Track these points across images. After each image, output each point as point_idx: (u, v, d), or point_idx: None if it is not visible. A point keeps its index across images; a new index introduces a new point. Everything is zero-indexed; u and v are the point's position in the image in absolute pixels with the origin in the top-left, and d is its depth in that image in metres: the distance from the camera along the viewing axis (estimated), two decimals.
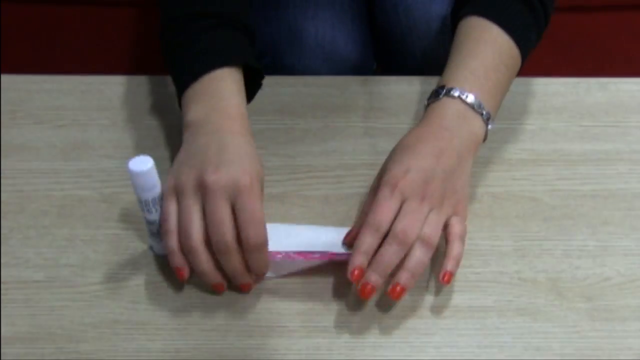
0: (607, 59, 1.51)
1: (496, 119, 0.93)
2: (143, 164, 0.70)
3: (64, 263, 0.77)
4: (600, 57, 1.50)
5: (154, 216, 0.74)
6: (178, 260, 0.72)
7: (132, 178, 0.71)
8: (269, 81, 0.98)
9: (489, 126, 0.80)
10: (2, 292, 0.75)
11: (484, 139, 0.81)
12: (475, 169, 0.87)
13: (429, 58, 1.07)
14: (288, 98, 0.95)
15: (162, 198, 0.73)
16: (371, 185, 0.78)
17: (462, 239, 0.74)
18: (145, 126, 0.92)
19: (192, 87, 0.79)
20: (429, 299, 0.75)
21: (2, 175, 0.85)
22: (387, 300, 0.74)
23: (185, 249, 0.71)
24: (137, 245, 0.79)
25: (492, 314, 0.74)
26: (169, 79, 0.97)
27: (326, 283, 0.76)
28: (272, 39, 1.07)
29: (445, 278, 0.73)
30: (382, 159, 0.85)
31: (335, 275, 0.77)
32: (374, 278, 0.71)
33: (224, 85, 0.79)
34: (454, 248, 0.74)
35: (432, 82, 0.98)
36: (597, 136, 0.92)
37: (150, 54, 1.51)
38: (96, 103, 0.95)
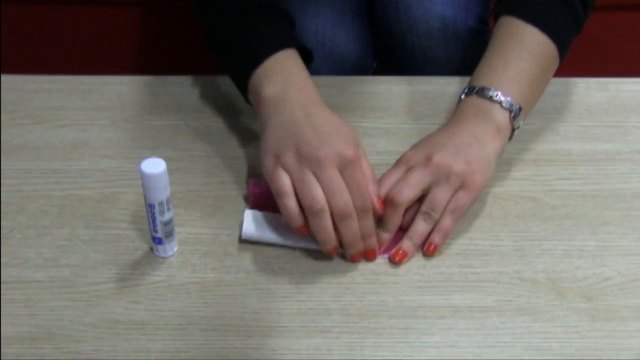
0: (607, 59, 1.51)
1: None
2: (156, 166, 0.71)
3: (64, 263, 0.77)
4: (600, 57, 1.50)
5: (169, 215, 0.75)
6: (300, 220, 0.75)
7: (145, 180, 0.71)
8: None
9: (515, 107, 0.82)
10: (2, 292, 0.75)
11: (514, 127, 0.83)
12: None
13: (429, 57, 1.07)
14: None
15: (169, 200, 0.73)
16: None
17: (454, 213, 0.78)
18: (145, 126, 0.92)
19: (262, 67, 0.82)
20: (429, 299, 0.75)
21: (2, 175, 0.85)
22: (387, 300, 0.75)
23: (312, 213, 0.74)
24: (137, 245, 0.79)
25: (492, 314, 0.74)
26: (168, 80, 0.97)
27: (326, 283, 0.76)
28: None
29: (430, 249, 0.78)
30: (382, 159, 0.86)
31: (335, 275, 0.77)
32: (379, 234, 0.79)
33: (291, 62, 0.83)
34: (442, 221, 0.78)
35: (432, 81, 0.98)
36: (597, 136, 0.92)
37: (150, 54, 1.51)
38: (96, 103, 0.95)
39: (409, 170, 0.79)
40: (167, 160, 0.72)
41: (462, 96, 0.85)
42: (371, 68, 1.15)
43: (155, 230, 0.76)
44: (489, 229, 0.81)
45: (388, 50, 1.11)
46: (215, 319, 0.73)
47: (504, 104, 0.82)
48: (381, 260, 0.78)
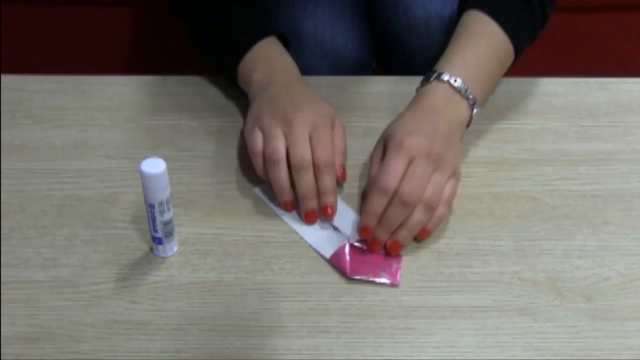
0: (607, 59, 1.51)
1: (496, 119, 0.93)
2: (156, 166, 0.71)
3: (64, 263, 0.77)
4: (600, 57, 1.50)
5: (168, 215, 0.75)
6: (264, 174, 0.82)
7: (145, 180, 0.71)
8: None
9: (474, 111, 0.85)
10: (2, 292, 0.75)
11: (468, 124, 0.86)
12: (475, 169, 0.87)
13: (429, 57, 1.07)
14: None
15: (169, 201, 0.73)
16: (370, 155, 0.85)
17: (449, 202, 0.80)
18: (145, 126, 0.92)
19: (249, 55, 0.90)
20: (429, 299, 0.75)
21: (2, 175, 0.85)
22: (387, 299, 0.75)
23: (270, 163, 0.80)
24: (137, 245, 0.79)
25: (492, 314, 0.74)
26: (168, 80, 0.97)
27: (326, 283, 0.76)
28: None
29: (422, 235, 0.79)
30: None
31: (335, 275, 0.77)
32: (379, 234, 0.78)
33: (273, 48, 0.92)
34: (438, 210, 0.79)
35: None
36: (597, 136, 0.92)
37: (150, 54, 1.51)
38: (96, 103, 0.95)
39: (412, 161, 0.78)
40: (167, 160, 0.72)
41: (431, 80, 0.85)
42: (370, 68, 1.15)
43: (155, 230, 0.76)
44: (489, 229, 0.81)
45: (387, 50, 1.11)
46: (215, 319, 0.73)
47: (470, 102, 0.84)
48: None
